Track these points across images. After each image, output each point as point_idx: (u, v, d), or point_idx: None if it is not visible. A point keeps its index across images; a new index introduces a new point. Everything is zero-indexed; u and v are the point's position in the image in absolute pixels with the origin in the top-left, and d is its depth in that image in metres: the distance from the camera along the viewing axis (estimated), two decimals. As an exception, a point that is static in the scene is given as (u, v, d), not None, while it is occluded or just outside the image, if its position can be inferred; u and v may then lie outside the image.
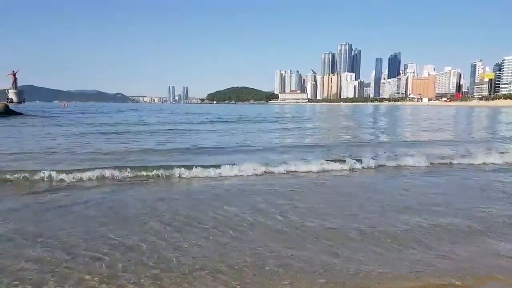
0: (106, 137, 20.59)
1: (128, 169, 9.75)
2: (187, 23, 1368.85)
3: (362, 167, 11.35)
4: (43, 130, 24.95)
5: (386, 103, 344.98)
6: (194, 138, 20.80)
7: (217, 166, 10.31)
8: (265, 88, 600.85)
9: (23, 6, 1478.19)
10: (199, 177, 9.76)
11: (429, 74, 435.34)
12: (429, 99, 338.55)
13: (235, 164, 10.54)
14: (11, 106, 38.75)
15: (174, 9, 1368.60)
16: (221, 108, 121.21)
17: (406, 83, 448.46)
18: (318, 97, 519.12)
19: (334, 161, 11.70)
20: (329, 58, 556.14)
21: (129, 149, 15.18)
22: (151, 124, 34.20)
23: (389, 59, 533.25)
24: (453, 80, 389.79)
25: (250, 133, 25.11)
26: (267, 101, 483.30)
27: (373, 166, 11.50)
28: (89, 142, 18.01)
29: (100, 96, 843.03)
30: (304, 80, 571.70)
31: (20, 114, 39.69)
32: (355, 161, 11.55)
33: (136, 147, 15.87)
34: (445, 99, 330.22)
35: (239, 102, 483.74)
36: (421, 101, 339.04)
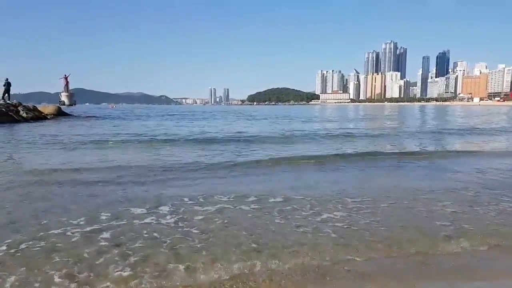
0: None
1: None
2: (226, 24, 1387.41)
3: None
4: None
5: (434, 103, 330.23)
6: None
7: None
8: (306, 88, 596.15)
9: (75, 20, 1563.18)
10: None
11: (480, 73, 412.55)
12: (481, 99, 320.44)
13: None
14: (63, 108, 40.02)
15: (214, 12, 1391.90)
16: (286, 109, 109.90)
17: (456, 82, 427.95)
18: (361, 97, 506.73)
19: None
20: (373, 57, 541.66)
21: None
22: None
23: (437, 57, 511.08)
24: (507, 78, 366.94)
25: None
26: (308, 102, 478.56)
27: None
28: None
29: (145, 99, 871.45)
30: (346, 80, 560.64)
31: (70, 115, 35.14)
32: None
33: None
34: (498, 98, 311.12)
35: (279, 103, 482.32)
36: (472, 101, 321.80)
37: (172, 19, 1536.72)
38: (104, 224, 4.93)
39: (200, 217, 5.26)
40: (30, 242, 4.28)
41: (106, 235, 4.57)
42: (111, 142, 14.76)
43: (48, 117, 30.58)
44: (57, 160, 10.34)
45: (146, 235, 4.56)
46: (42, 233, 4.57)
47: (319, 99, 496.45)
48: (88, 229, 4.76)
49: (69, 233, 4.61)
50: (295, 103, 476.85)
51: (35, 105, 33.96)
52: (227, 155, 11.34)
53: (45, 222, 5.01)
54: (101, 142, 14.74)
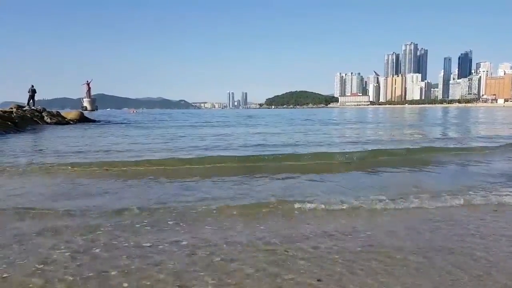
0: None
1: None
2: (244, 28, 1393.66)
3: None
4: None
5: (457, 105, 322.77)
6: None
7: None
8: (324, 91, 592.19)
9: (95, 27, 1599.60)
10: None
11: (504, 73, 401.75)
12: (505, 100, 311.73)
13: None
14: (85, 113, 39.81)
15: (231, 16, 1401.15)
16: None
17: (479, 83, 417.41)
18: (381, 100, 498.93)
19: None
20: (392, 59, 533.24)
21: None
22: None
23: (459, 58, 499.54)
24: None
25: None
26: (327, 105, 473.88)
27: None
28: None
29: (164, 103, 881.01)
30: (365, 82, 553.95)
31: (92, 120, 33.80)
32: None
33: None
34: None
35: (298, 106, 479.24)
36: (496, 102, 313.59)
37: (189, 24, 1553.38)
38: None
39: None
40: None
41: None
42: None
43: (71, 122, 30.33)
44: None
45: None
46: None
47: (337, 102, 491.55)
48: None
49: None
50: (314, 106, 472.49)
51: (58, 110, 33.98)
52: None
53: None
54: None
